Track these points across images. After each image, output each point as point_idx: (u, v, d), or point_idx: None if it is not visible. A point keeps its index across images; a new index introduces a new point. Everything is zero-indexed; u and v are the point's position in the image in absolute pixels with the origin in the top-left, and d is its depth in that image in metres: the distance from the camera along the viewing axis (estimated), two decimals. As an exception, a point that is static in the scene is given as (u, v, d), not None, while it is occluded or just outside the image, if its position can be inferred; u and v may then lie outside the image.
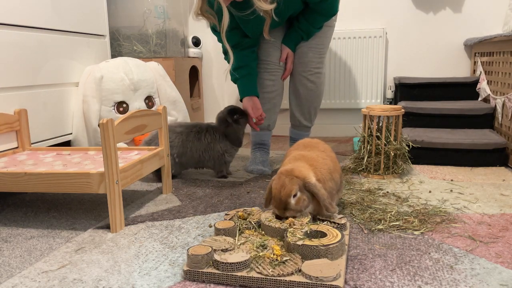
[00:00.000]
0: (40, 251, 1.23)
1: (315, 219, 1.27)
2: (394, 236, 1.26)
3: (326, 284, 0.94)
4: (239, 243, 1.14)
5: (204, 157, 1.91)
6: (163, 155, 1.68)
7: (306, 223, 1.18)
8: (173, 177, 1.95)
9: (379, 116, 1.89)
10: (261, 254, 1.07)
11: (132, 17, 2.74)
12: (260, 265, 1.02)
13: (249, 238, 1.17)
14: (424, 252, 1.15)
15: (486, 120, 2.27)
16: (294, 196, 1.20)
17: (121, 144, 2.08)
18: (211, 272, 1.01)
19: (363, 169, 1.93)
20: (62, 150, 1.78)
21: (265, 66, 2.01)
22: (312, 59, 2.01)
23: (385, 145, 1.88)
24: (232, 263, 1.00)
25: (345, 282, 1.00)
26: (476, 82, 2.56)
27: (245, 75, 1.93)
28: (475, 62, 2.68)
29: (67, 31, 2.07)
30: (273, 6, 1.66)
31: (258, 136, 2.11)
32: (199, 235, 1.31)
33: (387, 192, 1.67)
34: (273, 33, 1.96)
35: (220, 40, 1.83)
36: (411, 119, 2.33)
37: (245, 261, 1.01)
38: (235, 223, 1.23)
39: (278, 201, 1.21)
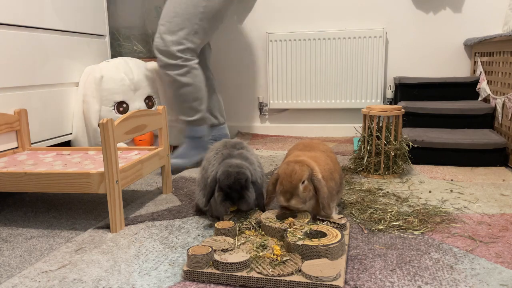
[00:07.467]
0: (40, 251, 1.23)
1: (314, 219, 1.27)
2: (394, 236, 1.26)
3: (326, 284, 0.94)
4: (239, 243, 1.14)
5: None
6: (163, 155, 1.68)
7: (306, 223, 1.18)
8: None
9: (379, 116, 1.89)
10: (261, 254, 1.07)
11: (132, 17, 2.74)
12: (260, 265, 1.02)
13: (249, 238, 1.17)
14: (424, 252, 1.15)
15: (486, 120, 2.27)
16: (303, 182, 1.20)
17: (121, 144, 2.08)
18: (211, 272, 1.01)
19: (363, 169, 1.93)
20: (62, 150, 1.78)
21: None
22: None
23: (385, 145, 1.88)
24: (232, 263, 1.00)
25: (345, 282, 1.00)
26: (476, 82, 2.56)
27: None
28: (475, 62, 2.68)
29: (67, 31, 2.07)
30: None
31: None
32: (199, 235, 1.31)
33: (387, 192, 1.67)
34: None
35: None
36: (411, 119, 2.33)
37: (245, 261, 1.01)
38: (235, 223, 1.24)
39: (288, 185, 1.19)
